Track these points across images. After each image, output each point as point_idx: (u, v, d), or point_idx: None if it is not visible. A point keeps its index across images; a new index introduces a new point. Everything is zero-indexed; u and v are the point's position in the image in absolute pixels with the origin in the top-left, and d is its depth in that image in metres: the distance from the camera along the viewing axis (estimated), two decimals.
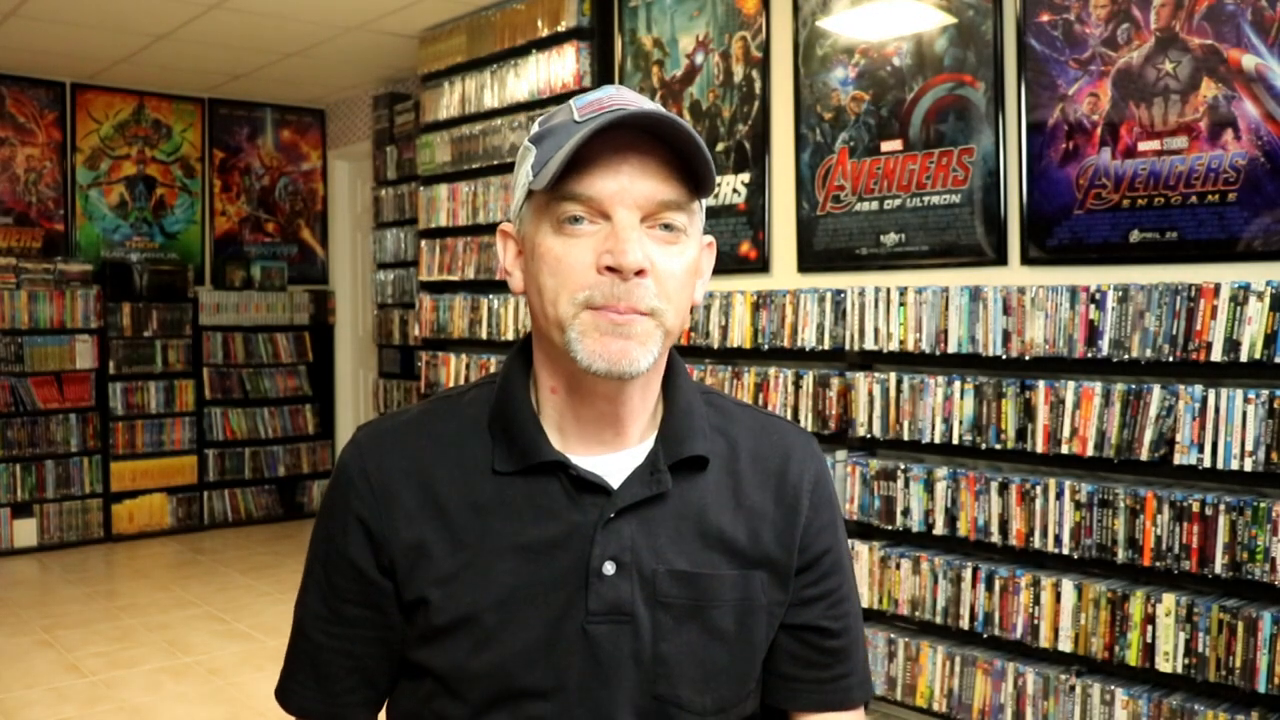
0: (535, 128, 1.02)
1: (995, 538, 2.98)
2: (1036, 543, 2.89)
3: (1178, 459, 2.63)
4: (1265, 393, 2.49)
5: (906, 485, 3.19)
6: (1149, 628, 2.67)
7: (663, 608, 1.00)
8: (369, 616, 1.03)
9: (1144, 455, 2.69)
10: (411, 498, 1.01)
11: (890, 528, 3.23)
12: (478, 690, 0.99)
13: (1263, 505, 2.49)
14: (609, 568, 0.99)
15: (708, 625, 1.02)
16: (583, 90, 4.44)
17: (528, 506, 1.00)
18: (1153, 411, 2.68)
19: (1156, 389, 2.67)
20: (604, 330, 0.93)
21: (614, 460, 1.02)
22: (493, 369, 4.78)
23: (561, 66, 4.53)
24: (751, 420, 1.11)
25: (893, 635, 3.25)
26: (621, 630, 0.99)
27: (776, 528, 1.06)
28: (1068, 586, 2.82)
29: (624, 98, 0.98)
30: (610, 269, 0.93)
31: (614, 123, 0.92)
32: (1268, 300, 2.51)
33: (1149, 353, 2.70)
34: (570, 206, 0.94)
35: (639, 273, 0.93)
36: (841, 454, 3.37)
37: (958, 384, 3.08)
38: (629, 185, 0.93)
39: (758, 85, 3.86)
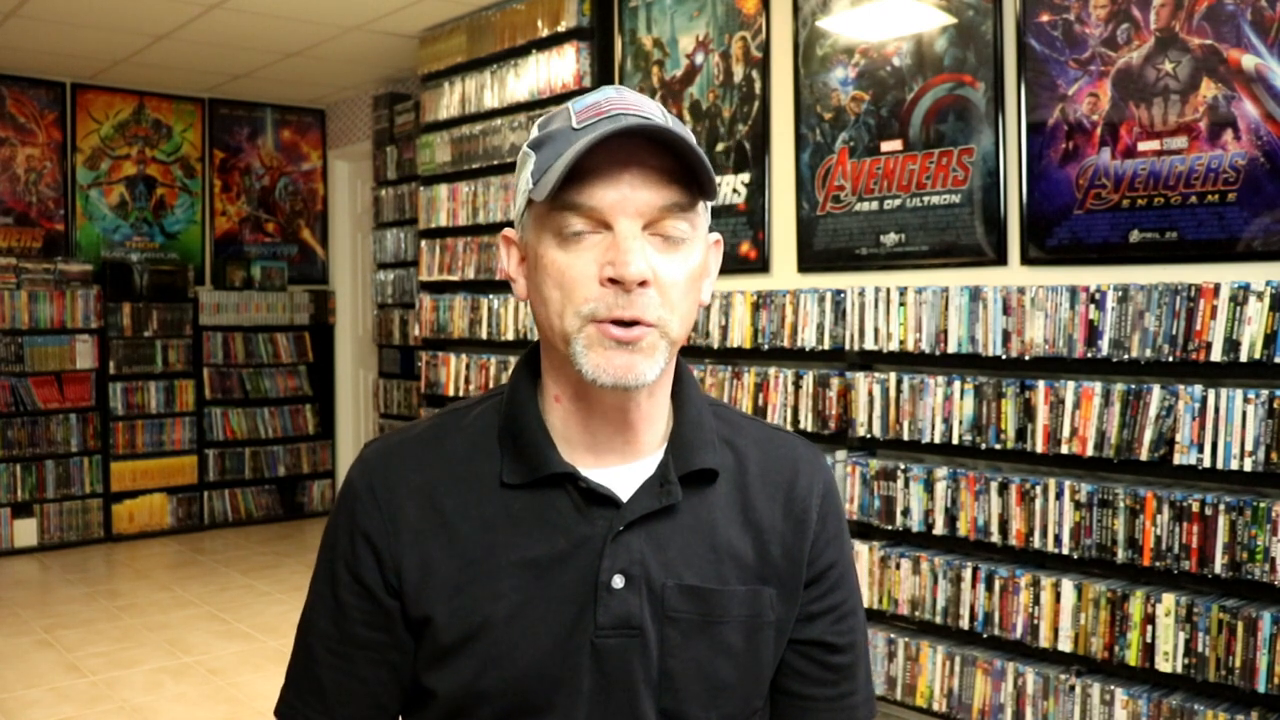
0: (535, 131, 1.00)
1: (995, 538, 2.98)
2: (1036, 543, 2.89)
3: (1177, 459, 2.63)
4: (1265, 393, 2.49)
5: (906, 485, 3.19)
6: (1149, 628, 2.67)
7: (671, 623, 0.99)
8: (377, 639, 1.01)
9: (1144, 455, 2.69)
10: (418, 515, 0.99)
11: (890, 528, 3.23)
12: (489, 708, 0.97)
13: (1262, 505, 2.49)
14: (618, 581, 0.97)
15: (716, 641, 1.00)
16: (583, 91, 4.44)
17: (536, 519, 0.98)
18: (1152, 411, 2.68)
19: (1156, 389, 2.67)
20: (608, 346, 0.92)
21: (624, 472, 1.01)
22: (492, 369, 4.78)
23: (561, 66, 4.53)
24: (758, 432, 1.10)
25: (893, 635, 3.25)
26: (630, 644, 0.97)
27: (785, 542, 1.05)
28: (1067, 586, 2.82)
29: (625, 100, 0.95)
30: (613, 280, 0.91)
31: (611, 134, 0.90)
32: (1267, 300, 2.51)
33: (1149, 353, 2.70)
34: (572, 219, 0.92)
35: (642, 284, 0.91)
36: (841, 454, 3.37)
37: (958, 384, 3.08)
38: (630, 194, 0.92)
39: (758, 85, 3.86)
